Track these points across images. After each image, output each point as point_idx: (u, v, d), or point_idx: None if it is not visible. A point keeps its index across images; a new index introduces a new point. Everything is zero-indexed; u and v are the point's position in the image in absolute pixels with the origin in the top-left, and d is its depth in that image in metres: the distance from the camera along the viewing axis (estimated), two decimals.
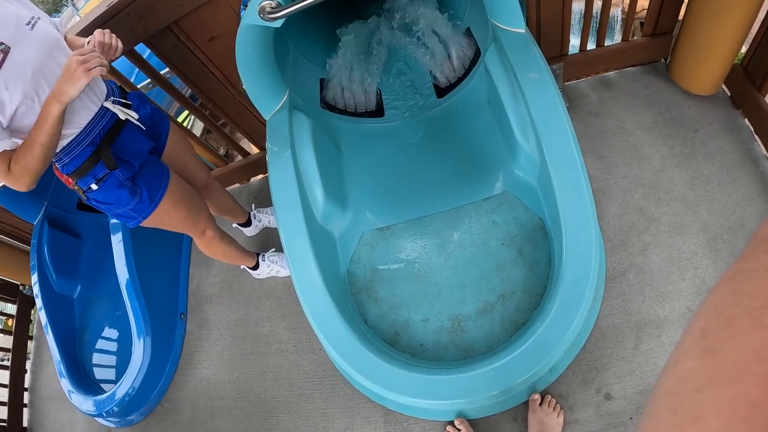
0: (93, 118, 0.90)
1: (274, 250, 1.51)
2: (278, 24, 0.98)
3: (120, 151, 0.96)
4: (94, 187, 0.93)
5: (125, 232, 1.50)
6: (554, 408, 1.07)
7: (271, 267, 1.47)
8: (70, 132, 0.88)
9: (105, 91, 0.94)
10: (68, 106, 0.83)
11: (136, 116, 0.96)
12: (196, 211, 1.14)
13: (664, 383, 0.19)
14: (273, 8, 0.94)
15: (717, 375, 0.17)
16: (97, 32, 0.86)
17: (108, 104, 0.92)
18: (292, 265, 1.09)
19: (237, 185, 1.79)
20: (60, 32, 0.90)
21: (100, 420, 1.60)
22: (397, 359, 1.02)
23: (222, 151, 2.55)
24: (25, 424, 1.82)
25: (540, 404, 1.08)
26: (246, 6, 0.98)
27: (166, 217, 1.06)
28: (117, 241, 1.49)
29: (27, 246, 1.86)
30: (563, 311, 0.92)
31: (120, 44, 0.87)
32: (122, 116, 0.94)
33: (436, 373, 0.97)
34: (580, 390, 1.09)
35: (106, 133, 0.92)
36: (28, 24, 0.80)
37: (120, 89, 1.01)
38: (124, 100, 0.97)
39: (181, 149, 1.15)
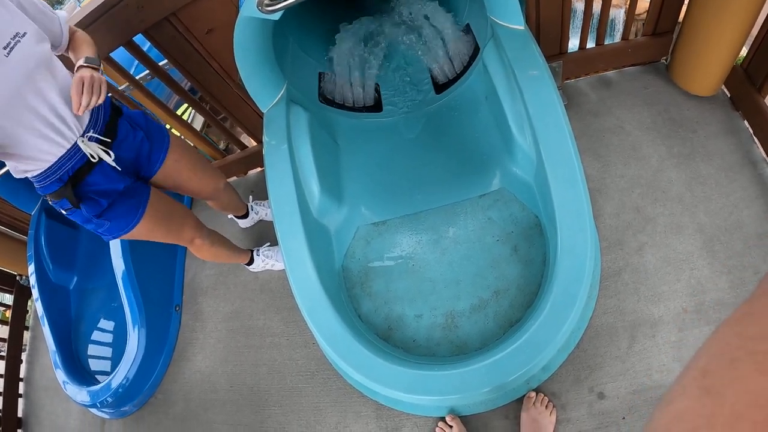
0: (62, 157, 0.84)
1: (269, 244, 1.51)
2: (276, 16, 0.98)
3: (88, 190, 0.89)
4: (64, 212, 0.91)
5: None
6: (547, 406, 1.07)
7: (266, 261, 1.47)
8: (35, 168, 0.83)
9: (86, 122, 0.87)
10: (32, 143, 0.79)
11: (111, 157, 0.88)
12: (176, 230, 1.10)
13: (659, 419, 0.19)
14: (271, 0, 0.94)
15: (714, 417, 0.17)
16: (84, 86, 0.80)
17: (82, 144, 0.85)
18: (286, 259, 1.09)
19: (234, 178, 1.79)
20: (63, 32, 0.86)
21: (94, 411, 1.61)
22: (390, 354, 1.02)
23: (222, 146, 2.55)
24: (19, 414, 1.82)
25: (533, 402, 1.07)
26: None
27: (141, 237, 1.03)
28: None
29: (24, 236, 1.86)
30: (557, 309, 0.92)
31: (104, 91, 0.82)
32: (95, 158, 0.86)
33: (428, 368, 0.97)
34: (573, 389, 1.09)
35: (75, 172, 0.86)
36: (5, 48, 0.73)
37: (112, 110, 0.93)
38: (102, 138, 0.88)
39: (181, 169, 1.07)
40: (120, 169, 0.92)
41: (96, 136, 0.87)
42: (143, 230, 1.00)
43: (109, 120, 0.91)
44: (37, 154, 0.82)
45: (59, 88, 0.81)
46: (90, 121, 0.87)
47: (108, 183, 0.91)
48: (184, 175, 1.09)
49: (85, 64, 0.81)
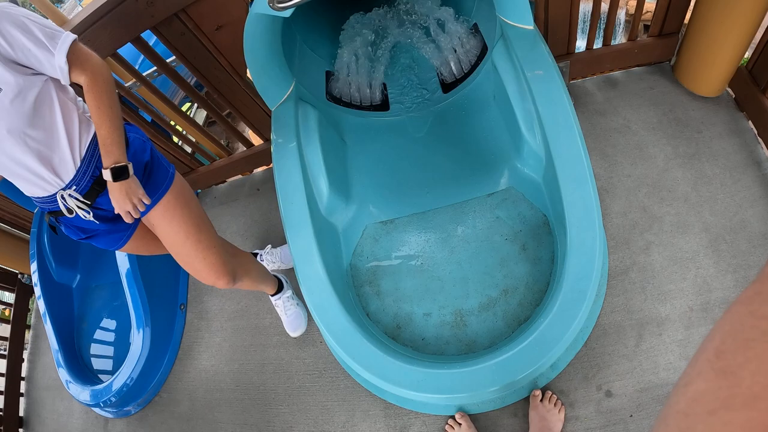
0: (41, 197, 0.81)
1: (270, 246, 1.50)
2: (287, 14, 0.98)
3: (68, 223, 0.87)
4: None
5: None
6: (555, 404, 1.07)
7: (269, 266, 1.45)
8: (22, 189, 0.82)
9: (69, 178, 0.79)
10: (12, 182, 0.77)
11: (89, 215, 0.83)
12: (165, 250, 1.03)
13: (675, 403, 0.19)
14: None
15: (731, 398, 0.17)
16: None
17: (60, 199, 0.80)
18: (295, 257, 1.09)
19: (239, 176, 1.79)
20: (62, 77, 0.74)
21: (97, 410, 1.59)
22: (399, 353, 1.02)
23: (223, 143, 2.54)
24: (21, 413, 1.80)
25: (541, 400, 1.08)
26: None
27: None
28: None
29: (26, 234, 1.84)
30: (565, 308, 0.92)
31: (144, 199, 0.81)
32: (71, 213, 0.82)
33: (437, 366, 0.97)
34: (581, 387, 1.10)
35: (51, 211, 0.85)
36: None
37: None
38: (81, 200, 0.81)
39: (163, 224, 0.89)
40: (98, 222, 0.86)
41: (76, 195, 0.80)
42: (129, 250, 0.99)
43: (100, 173, 0.81)
44: (19, 185, 0.80)
45: (38, 149, 0.74)
46: (75, 177, 0.79)
47: (87, 224, 0.87)
48: (164, 231, 0.90)
49: (110, 180, 0.76)
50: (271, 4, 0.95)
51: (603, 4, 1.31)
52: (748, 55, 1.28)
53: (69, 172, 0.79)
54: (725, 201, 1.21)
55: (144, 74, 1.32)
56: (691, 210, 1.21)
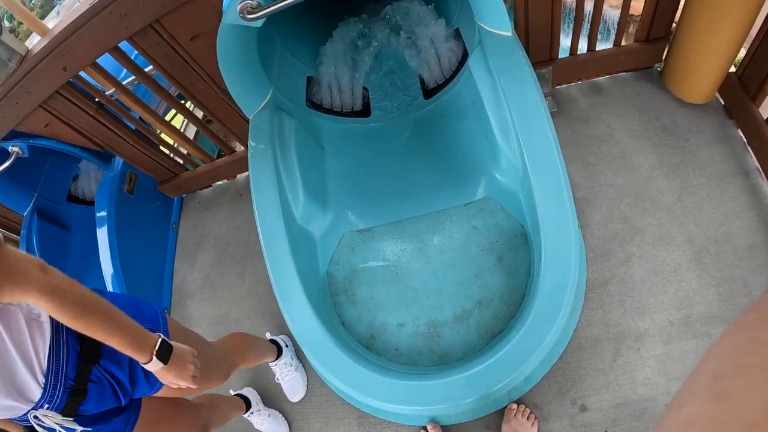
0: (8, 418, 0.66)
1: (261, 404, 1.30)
2: (258, 24, 0.98)
3: None
4: None
5: (111, 226, 1.51)
6: (528, 417, 1.06)
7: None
8: None
9: (37, 394, 0.64)
10: None
11: (78, 430, 0.69)
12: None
13: (669, 424, 0.19)
14: (253, 8, 0.94)
15: (726, 424, 0.16)
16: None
17: (33, 420, 0.65)
18: (270, 265, 1.09)
19: (224, 181, 1.80)
20: None
21: None
22: (372, 362, 1.02)
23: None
24: None
25: (514, 413, 1.06)
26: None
27: None
28: (102, 235, 1.50)
29: (16, 236, 1.88)
30: (540, 321, 0.91)
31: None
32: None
33: (409, 378, 0.96)
34: (555, 400, 1.08)
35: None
36: None
37: (81, 360, 0.68)
38: (60, 419, 0.66)
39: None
40: (85, 428, 0.71)
41: (52, 415, 0.66)
42: None
43: (77, 374, 0.67)
44: None
45: None
46: (43, 396, 0.64)
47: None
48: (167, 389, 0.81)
49: (159, 369, 0.65)
50: (241, 15, 0.95)
51: (588, 5, 1.28)
52: (740, 57, 1.24)
53: (34, 392, 0.64)
54: (711, 212, 1.18)
55: (125, 82, 1.33)
56: (675, 221, 1.19)
